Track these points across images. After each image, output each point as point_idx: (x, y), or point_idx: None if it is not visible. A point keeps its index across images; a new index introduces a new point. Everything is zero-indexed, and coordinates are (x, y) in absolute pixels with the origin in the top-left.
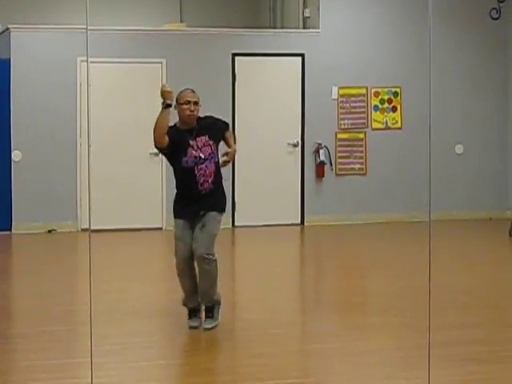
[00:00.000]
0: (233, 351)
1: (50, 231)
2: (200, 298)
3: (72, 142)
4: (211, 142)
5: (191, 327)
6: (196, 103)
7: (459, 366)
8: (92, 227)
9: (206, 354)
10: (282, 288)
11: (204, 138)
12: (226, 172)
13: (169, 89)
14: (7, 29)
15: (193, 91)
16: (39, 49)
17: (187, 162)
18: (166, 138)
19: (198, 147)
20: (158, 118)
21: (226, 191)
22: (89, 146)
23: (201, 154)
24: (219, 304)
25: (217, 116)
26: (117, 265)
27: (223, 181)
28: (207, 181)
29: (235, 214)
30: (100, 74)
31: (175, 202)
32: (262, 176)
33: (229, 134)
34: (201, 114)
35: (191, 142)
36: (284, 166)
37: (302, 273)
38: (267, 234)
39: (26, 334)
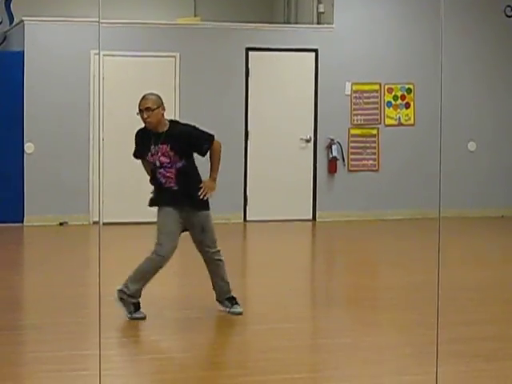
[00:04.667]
0: (242, 345)
1: (61, 224)
2: (224, 292)
3: (85, 134)
4: (171, 153)
5: (139, 318)
6: (148, 109)
7: (468, 363)
8: (104, 220)
9: (215, 348)
10: (292, 283)
11: (165, 147)
12: (238, 167)
13: None
14: (21, 21)
15: (149, 96)
16: (53, 41)
17: (149, 161)
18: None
19: (156, 154)
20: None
21: (238, 186)
22: (101, 139)
23: (156, 162)
24: None
25: (203, 127)
26: (128, 258)
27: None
28: (170, 182)
29: (247, 208)
30: (113, 68)
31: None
32: (274, 171)
33: (213, 151)
34: (214, 108)
35: (152, 148)
36: (296, 161)
37: (313, 268)
38: (278, 229)
39: (35, 325)
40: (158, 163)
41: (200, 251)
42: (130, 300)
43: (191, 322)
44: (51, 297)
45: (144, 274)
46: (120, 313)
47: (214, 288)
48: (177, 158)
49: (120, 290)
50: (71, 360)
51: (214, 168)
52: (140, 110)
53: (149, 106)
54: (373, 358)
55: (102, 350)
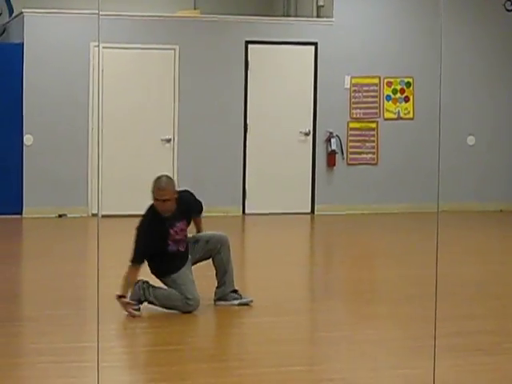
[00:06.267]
0: (240, 338)
1: (60, 216)
2: (231, 283)
3: (84, 127)
4: (186, 223)
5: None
6: (166, 200)
7: (466, 357)
8: (103, 212)
9: (213, 341)
10: (291, 276)
11: (183, 222)
12: (236, 160)
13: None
14: (21, 13)
15: (165, 185)
16: (52, 33)
17: (171, 248)
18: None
19: (179, 232)
20: (124, 283)
21: (236, 179)
22: (100, 131)
23: (178, 237)
24: None
25: (192, 194)
26: (127, 251)
27: None
28: (183, 246)
29: (245, 201)
30: (113, 60)
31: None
32: (273, 164)
33: (200, 219)
34: (213, 102)
35: (171, 230)
36: (295, 154)
37: (312, 261)
38: (277, 222)
39: (34, 317)
40: (179, 237)
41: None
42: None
43: (189, 315)
44: (50, 288)
45: (167, 303)
46: (118, 305)
47: (219, 284)
48: (186, 224)
49: (144, 288)
50: (70, 352)
51: (201, 226)
52: (156, 199)
53: (167, 198)
54: (370, 351)
55: (101, 342)
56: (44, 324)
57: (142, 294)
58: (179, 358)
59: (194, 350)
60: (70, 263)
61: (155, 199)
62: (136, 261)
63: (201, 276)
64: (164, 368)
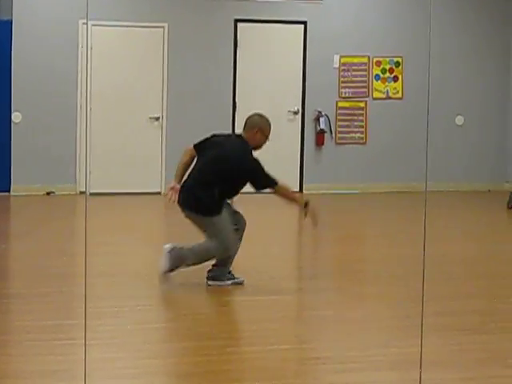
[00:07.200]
0: (229, 316)
1: (48, 193)
2: (230, 265)
3: (72, 104)
4: None
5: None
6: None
7: (453, 336)
8: (91, 190)
9: (201, 319)
10: (279, 255)
11: None
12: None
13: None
14: None
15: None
16: (41, 10)
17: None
18: None
19: None
20: (290, 196)
21: None
22: (88, 109)
23: None
24: None
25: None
26: (115, 228)
27: None
28: None
29: None
30: (102, 38)
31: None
32: None
33: None
34: (202, 80)
35: None
36: (284, 133)
37: (300, 241)
38: (265, 201)
39: (21, 295)
40: None
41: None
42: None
43: (177, 293)
44: (37, 266)
45: (206, 254)
46: (106, 283)
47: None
48: None
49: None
50: (57, 329)
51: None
52: (266, 136)
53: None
54: (358, 330)
55: (88, 320)
56: (31, 302)
57: (179, 256)
58: (168, 335)
59: (182, 328)
60: (57, 241)
61: (265, 136)
62: (277, 180)
63: None
64: (152, 346)
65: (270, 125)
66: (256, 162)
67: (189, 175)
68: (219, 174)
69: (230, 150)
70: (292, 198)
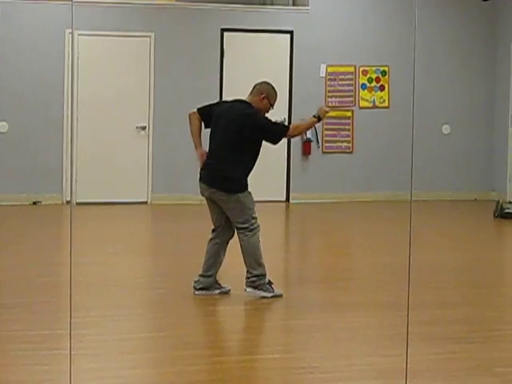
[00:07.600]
0: (215, 326)
1: (34, 203)
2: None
3: (59, 114)
4: None
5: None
6: None
7: (439, 345)
8: (77, 200)
9: (187, 328)
10: (265, 264)
11: None
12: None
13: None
14: None
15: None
16: (27, 20)
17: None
18: None
19: None
20: (305, 126)
21: None
22: (74, 118)
23: None
24: None
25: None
26: (101, 238)
27: None
28: None
29: None
30: (88, 47)
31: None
32: None
33: None
34: (188, 89)
35: None
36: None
37: (287, 249)
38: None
39: (6, 305)
40: None
41: None
42: (265, 281)
43: (163, 303)
44: (23, 276)
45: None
46: (92, 293)
47: (208, 274)
48: None
49: (253, 281)
50: (43, 339)
51: None
52: (271, 105)
53: None
54: (344, 338)
55: (74, 330)
56: (17, 312)
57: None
58: (154, 345)
59: (168, 337)
60: (43, 251)
61: (271, 104)
62: (287, 126)
63: (187, 263)
64: (138, 356)
65: (276, 94)
66: (264, 118)
67: (208, 153)
68: (238, 147)
69: (237, 117)
70: (308, 127)
